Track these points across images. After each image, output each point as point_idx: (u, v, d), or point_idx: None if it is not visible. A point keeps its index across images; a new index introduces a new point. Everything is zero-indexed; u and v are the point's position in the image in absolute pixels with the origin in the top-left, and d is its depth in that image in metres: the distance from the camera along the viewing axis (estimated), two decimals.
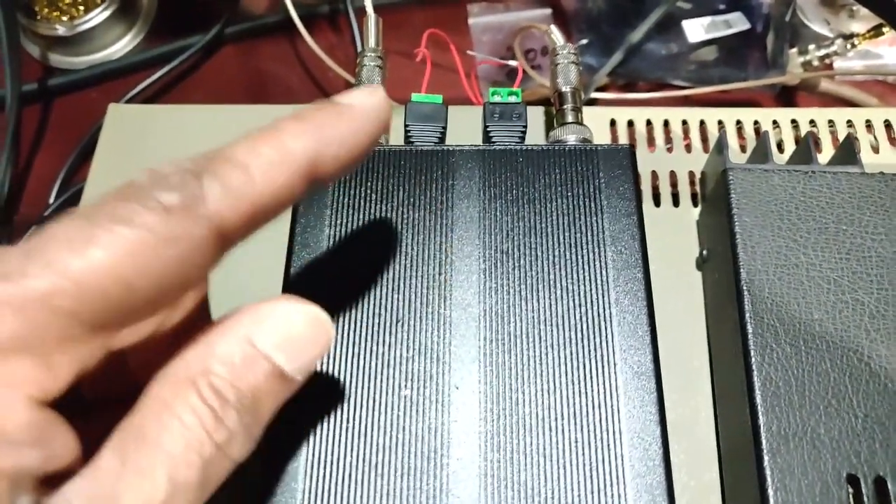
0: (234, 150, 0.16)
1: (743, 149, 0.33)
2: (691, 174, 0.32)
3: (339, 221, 0.24)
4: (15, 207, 0.42)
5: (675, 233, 0.30)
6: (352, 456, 0.20)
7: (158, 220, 0.14)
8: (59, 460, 0.14)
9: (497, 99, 0.28)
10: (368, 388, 0.21)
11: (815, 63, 0.42)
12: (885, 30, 0.41)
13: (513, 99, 0.28)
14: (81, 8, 0.46)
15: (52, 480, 0.14)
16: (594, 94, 0.42)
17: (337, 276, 0.23)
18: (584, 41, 0.45)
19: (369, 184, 0.25)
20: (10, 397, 0.13)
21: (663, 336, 0.27)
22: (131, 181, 0.15)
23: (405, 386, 0.21)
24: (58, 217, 0.14)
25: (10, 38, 0.41)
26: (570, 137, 0.26)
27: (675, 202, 0.31)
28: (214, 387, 0.15)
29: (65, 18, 0.46)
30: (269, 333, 0.16)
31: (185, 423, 0.14)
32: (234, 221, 0.15)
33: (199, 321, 0.17)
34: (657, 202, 0.31)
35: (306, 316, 0.17)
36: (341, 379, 0.21)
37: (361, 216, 0.24)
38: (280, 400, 0.16)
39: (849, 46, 0.42)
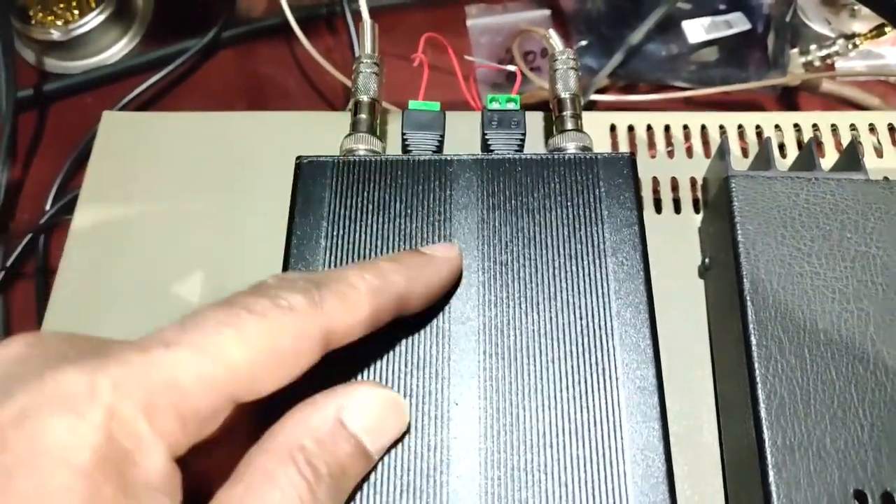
0: (347, 273, 0.19)
1: (745, 152, 0.32)
2: (693, 180, 0.31)
3: (335, 233, 0.24)
4: (11, 213, 0.42)
5: (676, 240, 0.30)
6: None
7: (284, 315, 0.17)
8: None
9: (495, 106, 0.27)
10: None
11: (817, 63, 0.42)
12: (887, 29, 0.41)
13: (511, 106, 0.27)
14: (76, 12, 0.46)
15: None
16: (594, 96, 0.41)
17: None
18: (584, 42, 0.45)
19: (366, 195, 0.24)
20: (157, 448, 0.15)
21: (666, 345, 0.27)
22: (263, 281, 0.18)
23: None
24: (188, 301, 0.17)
25: (5, 43, 0.41)
26: (570, 145, 0.26)
27: (677, 208, 0.31)
28: (311, 462, 0.17)
29: (59, 23, 0.46)
30: (358, 416, 0.19)
31: (286, 494, 0.16)
32: (340, 330, 0.18)
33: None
34: (658, 209, 0.31)
35: (389, 401, 0.20)
36: None
37: (358, 228, 0.24)
38: (360, 475, 0.19)
39: (850, 46, 0.41)
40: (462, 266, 0.23)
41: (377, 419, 0.19)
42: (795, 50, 0.43)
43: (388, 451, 0.20)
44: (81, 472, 0.14)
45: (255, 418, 0.20)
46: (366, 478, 0.20)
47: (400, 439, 0.20)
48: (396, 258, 0.20)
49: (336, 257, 0.23)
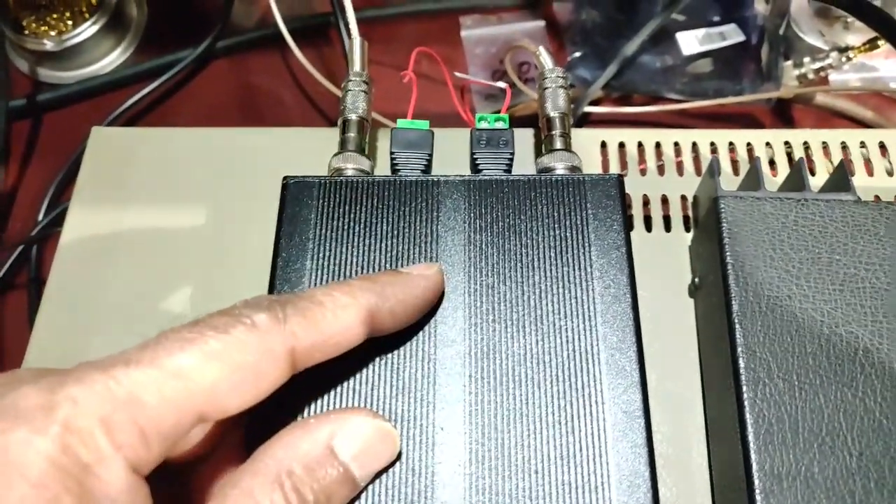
0: (314, 292, 0.19)
1: (735, 165, 0.32)
2: (683, 197, 0.31)
3: (321, 254, 0.23)
4: (3, 224, 0.42)
5: (667, 259, 0.29)
6: None
7: (246, 331, 0.17)
8: None
9: (484, 125, 0.27)
10: None
11: (811, 76, 0.42)
12: (880, 42, 0.40)
13: (500, 125, 0.27)
14: (70, 22, 0.46)
15: None
16: (587, 108, 0.41)
17: None
18: (578, 54, 0.45)
19: (352, 215, 0.24)
20: (117, 462, 0.15)
21: (655, 364, 0.27)
22: (232, 305, 0.18)
23: None
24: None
25: None
26: (558, 165, 0.26)
27: (667, 226, 0.31)
28: (296, 487, 0.17)
29: (53, 33, 0.45)
30: (349, 444, 0.19)
31: None
32: (305, 346, 0.18)
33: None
34: (648, 227, 0.31)
35: (380, 431, 0.20)
36: None
37: (344, 249, 0.23)
38: (345, 501, 0.19)
39: (844, 59, 0.41)
40: (443, 285, 0.22)
41: (368, 449, 0.19)
42: (789, 62, 0.43)
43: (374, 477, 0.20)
44: (38, 483, 0.14)
45: (243, 436, 0.20)
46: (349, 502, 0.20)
47: (387, 466, 0.20)
48: (369, 276, 0.21)
49: (322, 279, 0.23)
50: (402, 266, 0.23)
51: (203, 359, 0.16)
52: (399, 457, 0.20)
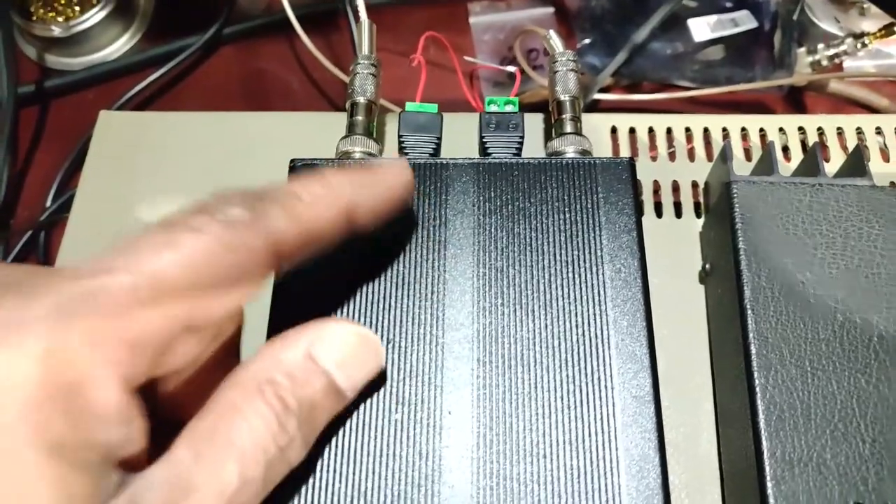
0: (290, 185, 0.18)
1: (748, 153, 0.32)
2: (694, 183, 0.31)
3: None
4: (12, 210, 0.42)
5: (677, 245, 0.29)
6: (340, 482, 0.20)
7: (224, 229, 0.16)
8: (136, 444, 0.15)
9: (493, 108, 0.27)
10: (357, 411, 0.21)
11: (825, 63, 0.41)
12: None
13: (509, 108, 0.27)
14: (77, 8, 0.46)
15: (127, 464, 0.15)
16: (597, 95, 0.41)
17: (325, 295, 0.22)
18: (587, 40, 0.44)
19: None
20: (105, 379, 0.14)
21: (664, 350, 0.26)
22: (200, 200, 0.17)
23: (396, 410, 0.21)
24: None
25: (5, 40, 0.41)
26: (569, 149, 0.26)
27: (678, 213, 0.30)
28: (279, 395, 0.17)
29: (61, 19, 0.45)
30: (329, 351, 0.18)
31: (253, 425, 0.16)
32: (288, 241, 0.17)
33: (230, 358, 0.19)
34: (659, 213, 0.30)
35: (361, 337, 0.19)
36: None
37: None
38: (332, 413, 0.19)
39: (859, 46, 0.40)
40: (413, 181, 0.22)
41: (350, 356, 0.19)
42: (803, 49, 0.42)
43: (379, 458, 0.20)
44: (26, 406, 0.13)
45: (226, 349, 0.19)
46: (356, 485, 0.20)
47: (374, 384, 0.20)
48: (343, 169, 0.20)
49: (329, 262, 0.23)
50: (411, 249, 0.23)
51: (181, 262, 0.15)
52: (400, 435, 0.20)
